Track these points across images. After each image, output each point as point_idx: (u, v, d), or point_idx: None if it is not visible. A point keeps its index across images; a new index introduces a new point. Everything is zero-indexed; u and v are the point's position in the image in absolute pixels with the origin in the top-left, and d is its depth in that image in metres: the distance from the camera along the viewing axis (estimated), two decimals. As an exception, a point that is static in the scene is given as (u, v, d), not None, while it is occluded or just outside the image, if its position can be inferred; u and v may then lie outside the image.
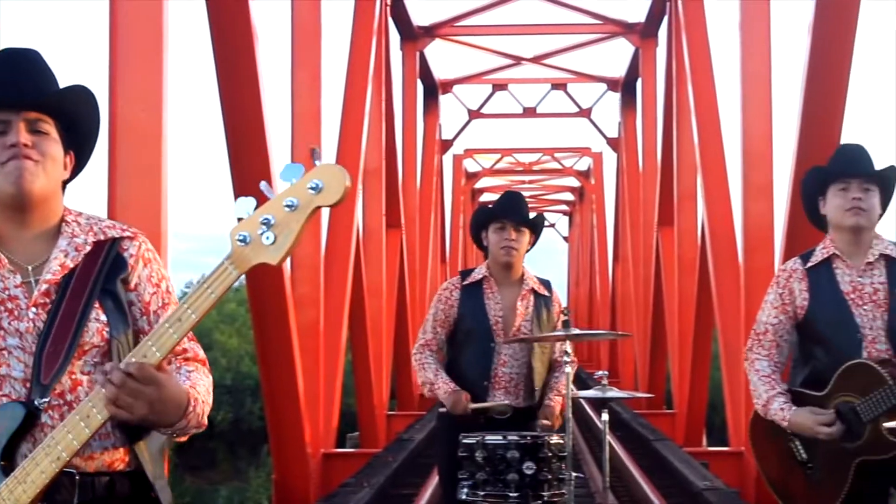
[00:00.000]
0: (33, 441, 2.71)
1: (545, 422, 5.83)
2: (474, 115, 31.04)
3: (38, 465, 2.62)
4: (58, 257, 2.85)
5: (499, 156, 39.23)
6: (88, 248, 2.88)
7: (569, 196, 47.26)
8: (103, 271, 2.85)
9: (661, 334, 20.47)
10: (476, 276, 6.15)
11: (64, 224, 2.91)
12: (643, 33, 23.39)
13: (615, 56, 52.10)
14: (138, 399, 2.59)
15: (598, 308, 38.79)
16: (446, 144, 31.37)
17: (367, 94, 16.17)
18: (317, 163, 2.57)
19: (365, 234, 16.86)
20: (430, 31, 24.25)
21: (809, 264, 4.68)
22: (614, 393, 5.49)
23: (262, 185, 2.59)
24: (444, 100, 28.84)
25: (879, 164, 4.70)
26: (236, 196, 3.24)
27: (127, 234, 2.96)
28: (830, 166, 4.72)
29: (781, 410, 4.56)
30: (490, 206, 6.35)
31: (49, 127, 2.86)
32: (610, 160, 33.52)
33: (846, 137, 9.62)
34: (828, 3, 9.23)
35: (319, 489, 12.54)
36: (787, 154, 10.30)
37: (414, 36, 23.72)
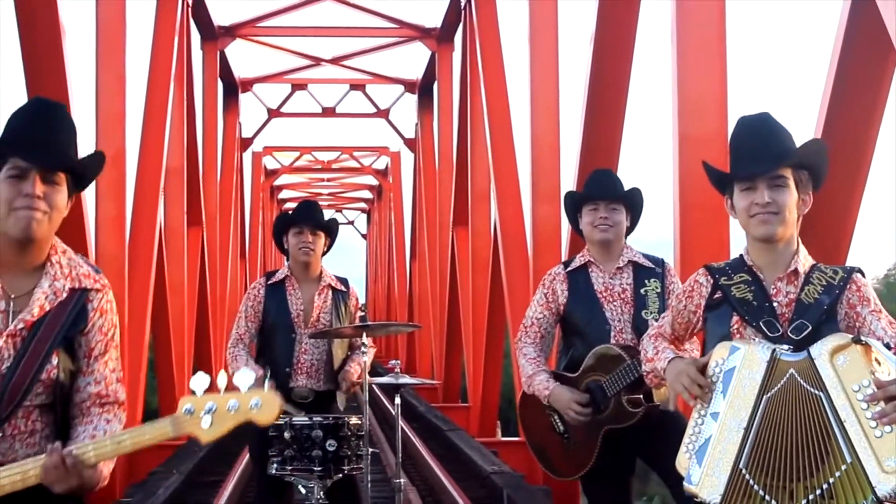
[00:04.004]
0: None
1: (343, 384, 6.50)
2: (274, 113, 31.22)
3: None
4: (39, 299, 3.27)
5: (298, 153, 39.39)
6: (65, 296, 3.29)
7: (367, 194, 47.52)
8: (68, 322, 3.28)
9: (457, 331, 20.87)
10: (279, 276, 6.88)
11: (48, 264, 3.34)
12: (439, 38, 23.90)
13: (413, 59, 52.69)
14: (61, 482, 3.12)
15: (395, 304, 39.11)
16: (246, 142, 31.51)
17: (168, 94, 16.32)
18: (266, 385, 3.29)
19: (167, 232, 16.95)
20: (231, 31, 24.42)
21: (569, 269, 5.54)
22: (405, 379, 6.10)
23: (221, 376, 3.19)
24: (244, 98, 29.04)
25: (629, 185, 5.58)
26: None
27: (97, 286, 3.36)
28: (583, 190, 5.59)
29: (545, 383, 5.35)
30: (290, 213, 7.02)
31: (61, 178, 3.27)
32: (407, 160, 33.96)
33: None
34: (608, 18, 9.87)
35: (125, 479, 12.79)
36: (573, 159, 10.97)
37: (214, 36, 23.88)
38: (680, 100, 7.95)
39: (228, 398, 3.17)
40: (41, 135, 3.25)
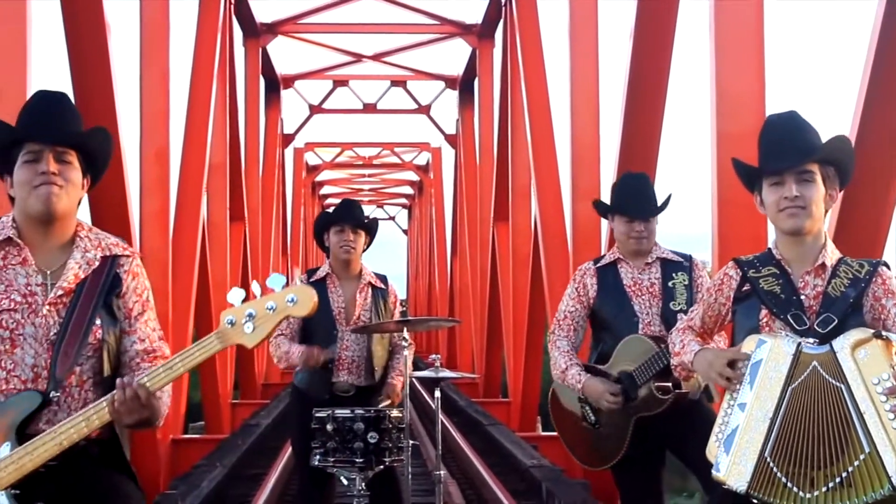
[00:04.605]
0: (45, 420, 3.45)
1: (386, 399, 6.61)
2: (315, 110, 31.41)
3: (44, 445, 3.36)
4: (73, 268, 3.55)
5: (339, 149, 39.61)
6: (97, 264, 3.59)
7: (408, 190, 47.71)
8: (105, 286, 3.57)
9: (497, 326, 20.89)
10: (320, 273, 6.96)
11: (77, 238, 3.61)
12: (480, 35, 24.03)
13: (454, 55, 52.68)
14: (132, 414, 3.38)
15: (436, 300, 39.25)
16: (288, 138, 31.74)
17: (211, 91, 16.49)
18: (298, 281, 3.44)
19: (210, 227, 17.06)
20: (273, 28, 24.60)
21: (599, 265, 5.72)
22: (445, 373, 6.19)
23: (254, 285, 3.36)
24: (285, 95, 29.24)
25: (664, 180, 5.61)
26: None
27: (126, 253, 3.67)
28: (616, 200, 5.67)
29: (577, 376, 5.49)
30: (331, 211, 7.14)
31: (72, 158, 3.56)
32: (448, 155, 34.07)
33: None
34: (647, 15, 9.89)
35: (169, 472, 12.96)
36: (613, 155, 11.02)
37: (256, 33, 24.09)
38: (718, 96, 8.00)
39: (265, 301, 3.34)
40: (49, 119, 3.55)
